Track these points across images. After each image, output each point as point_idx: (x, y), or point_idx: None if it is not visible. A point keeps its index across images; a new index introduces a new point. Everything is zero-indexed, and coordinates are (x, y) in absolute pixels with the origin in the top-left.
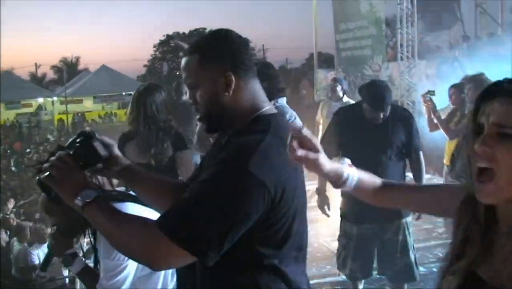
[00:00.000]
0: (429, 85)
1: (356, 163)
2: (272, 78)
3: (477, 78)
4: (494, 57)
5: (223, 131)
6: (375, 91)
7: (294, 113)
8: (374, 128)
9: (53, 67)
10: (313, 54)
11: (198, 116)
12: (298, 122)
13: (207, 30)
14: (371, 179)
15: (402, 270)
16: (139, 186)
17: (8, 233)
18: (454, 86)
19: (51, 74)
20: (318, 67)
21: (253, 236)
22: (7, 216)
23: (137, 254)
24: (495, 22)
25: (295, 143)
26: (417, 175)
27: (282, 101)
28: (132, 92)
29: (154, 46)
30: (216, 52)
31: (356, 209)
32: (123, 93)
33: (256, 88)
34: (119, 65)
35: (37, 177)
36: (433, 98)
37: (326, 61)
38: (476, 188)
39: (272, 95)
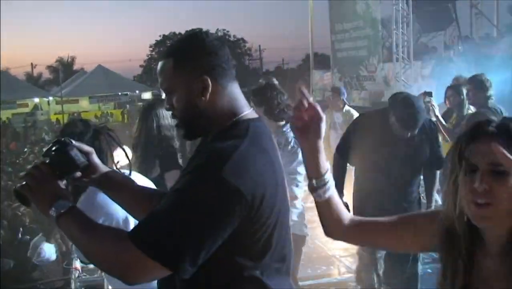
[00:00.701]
0: (424, 86)
1: (375, 176)
2: (271, 101)
3: (477, 79)
4: (489, 58)
5: (202, 137)
6: (409, 111)
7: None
8: (399, 141)
9: (48, 67)
10: (309, 55)
11: (176, 122)
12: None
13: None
14: (340, 202)
15: (410, 279)
16: (117, 193)
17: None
18: (451, 87)
19: (47, 74)
20: (314, 68)
21: (231, 246)
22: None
23: (110, 267)
24: (491, 23)
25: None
26: (429, 188)
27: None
28: (128, 93)
29: (150, 46)
30: (191, 56)
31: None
32: (119, 94)
33: (235, 92)
34: (115, 65)
35: (14, 187)
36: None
37: (323, 61)
38: (473, 213)
39: (273, 117)
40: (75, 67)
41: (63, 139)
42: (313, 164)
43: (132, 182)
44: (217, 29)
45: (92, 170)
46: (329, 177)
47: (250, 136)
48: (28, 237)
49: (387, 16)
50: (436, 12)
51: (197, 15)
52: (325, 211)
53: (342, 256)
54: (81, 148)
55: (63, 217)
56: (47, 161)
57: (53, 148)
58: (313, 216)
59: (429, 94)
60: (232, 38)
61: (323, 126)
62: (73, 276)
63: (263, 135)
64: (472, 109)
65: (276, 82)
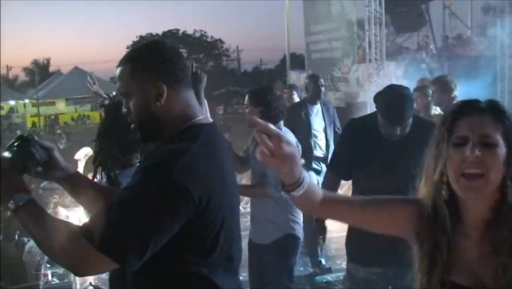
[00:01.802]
0: None
1: (373, 189)
2: (270, 103)
3: (442, 80)
4: (462, 58)
5: (156, 140)
6: (391, 102)
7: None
8: (391, 145)
9: (24, 69)
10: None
11: (132, 126)
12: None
13: (180, 32)
14: (316, 187)
15: None
16: (81, 194)
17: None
18: (418, 89)
19: (22, 77)
20: (290, 68)
21: (179, 243)
22: None
23: (62, 260)
24: (464, 24)
25: (264, 137)
26: None
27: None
28: (105, 95)
29: (127, 48)
30: (148, 63)
31: (364, 248)
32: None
33: (189, 99)
34: (92, 66)
35: None
36: None
37: (299, 62)
38: (463, 185)
39: (270, 120)
40: (51, 69)
41: (25, 135)
42: (288, 178)
43: (97, 184)
44: (195, 30)
45: (53, 166)
46: (304, 174)
47: (202, 140)
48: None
49: (363, 17)
50: (409, 13)
51: (174, 16)
52: (302, 199)
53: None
54: (42, 143)
55: (20, 210)
56: (9, 156)
57: (15, 143)
58: None
59: None
60: (209, 39)
61: (296, 153)
62: (41, 282)
63: (215, 140)
64: (438, 110)
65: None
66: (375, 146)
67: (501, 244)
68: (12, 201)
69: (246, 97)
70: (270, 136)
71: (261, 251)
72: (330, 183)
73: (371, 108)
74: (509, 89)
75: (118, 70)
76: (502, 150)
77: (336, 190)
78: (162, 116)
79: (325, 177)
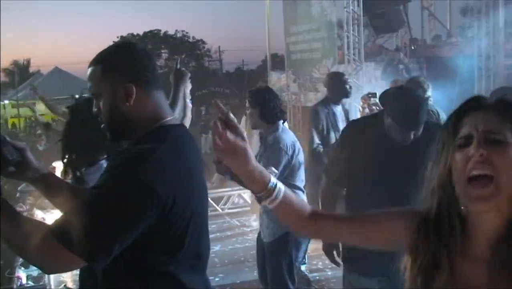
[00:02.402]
0: (377, 87)
1: (374, 195)
2: (267, 103)
3: (415, 81)
4: (440, 59)
5: (125, 140)
6: (406, 107)
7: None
8: (400, 150)
9: (4, 70)
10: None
11: (102, 126)
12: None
13: (162, 32)
14: (299, 199)
15: None
16: (54, 195)
17: None
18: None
19: (2, 77)
20: (272, 69)
21: (146, 241)
22: None
23: (33, 258)
24: (442, 25)
25: (221, 127)
26: None
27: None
28: (86, 95)
29: None
30: (118, 64)
31: (365, 255)
32: (77, 96)
33: (159, 100)
34: (72, 67)
35: None
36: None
37: (281, 63)
38: (469, 196)
39: (268, 119)
40: (31, 69)
41: None
42: (252, 182)
43: (67, 183)
44: (176, 30)
45: (25, 166)
46: (274, 182)
47: (170, 140)
48: None
49: (343, 18)
50: (388, 14)
51: (156, 16)
52: (281, 212)
53: None
54: (14, 144)
55: None
56: None
57: None
58: None
59: (373, 95)
60: (191, 40)
61: (248, 149)
62: (15, 285)
63: (184, 141)
64: None
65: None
66: (381, 150)
67: None
68: None
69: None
70: (230, 126)
71: (263, 248)
72: (329, 194)
73: (349, 108)
74: (486, 89)
75: (89, 70)
76: (510, 146)
77: (336, 202)
78: (131, 116)
79: (323, 188)
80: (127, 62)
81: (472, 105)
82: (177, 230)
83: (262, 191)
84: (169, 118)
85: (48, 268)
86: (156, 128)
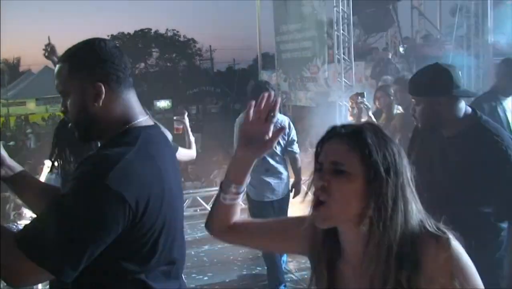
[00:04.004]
0: (367, 86)
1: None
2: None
3: (404, 80)
4: (430, 58)
5: (94, 141)
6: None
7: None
8: (451, 145)
9: None
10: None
11: (69, 125)
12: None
13: (152, 31)
14: (238, 208)
15: None
16: (27, 194)
17: None
18: (380, 88)
19: None
20: (263, 68)
21: (116, 251)
22: None
23: None
24: (432, 25)
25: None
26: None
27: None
28: None
29: None
30: (86, 62)
31: None
32: None
33: (130, 100)
34: None
35: None
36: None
37: (272, 62)
38: (314, 215)
39: None
40: (21, 68)
41: None
42: (240, 171)
43: (40, 182)
44: (167, 29)
45: None
46: (245, 187)
47: (139, 144)
48: None
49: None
50: (377, 13)
51: (146, 15)
52: (222, 212)
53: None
54: None
55: None
56: None
57: None
58: None
59: (362, 95)
60: (182, 39)
61: (269, 145)
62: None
63: (155, 142)
64: (400, 109)
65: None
66: (430, 141)
67: (375, 278)
68: None
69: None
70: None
71: None
72: None
73: (340, 108)
74: (476, 88)
75: (56, 67)
76: (357, 178)
77: None
78: (100, 117)
79: None
80: (96, 60)
81: (331, 134)
82: (149, 237)
83: (237, 184)
84: (140, 120)
85: (14, 280)
86: (126, 130)
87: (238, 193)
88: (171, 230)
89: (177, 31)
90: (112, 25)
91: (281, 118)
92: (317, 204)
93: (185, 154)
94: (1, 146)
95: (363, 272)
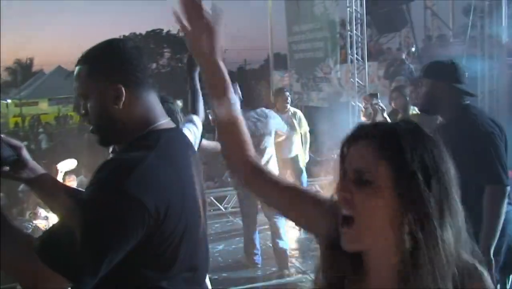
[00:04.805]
0: (380, 86)
1: None
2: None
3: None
4: (443, 59)
5: (114, 144)
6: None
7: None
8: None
9: (7, 69)
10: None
11: (90, 128)
12: None
13: (164, 31)
14: (245, 130)
15: None
16: (49, 197)
17: None
18: (396, 89)
19: (5, 76)
20: (274, 68)
21: (136, 258)
22: None
23: (14, 275)
24: (445, 25)
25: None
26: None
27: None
28: None
29: None
30: (106, 64)
31: None
32: None
33: (151, 102)
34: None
35: None
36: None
37: (283, 62)
38: (341, 235)
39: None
40: (34, 68)
41: None
42: (213, 79)
43: (63, 184)
44: (179, 29)
45: (21, 166)
46: (232, 95)
47: (160, 147)
48: None
49: (345, 17)
50: (391, 13)
51: (156, 15)
52: (228, 135)
53: (293, 256)
54: (9, 142)
55: None
56: None
57: None
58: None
59: (375, 96)
60: None
61: (216, 38)
62: (18, 285)
63: (175, 146)
64: (416, 110)
65: None
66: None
67: None
68: None
69: None
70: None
71: None
72: None
73: (352, 108)
74: (490, 89)
75: (76, 70)
76: (386, 190)
77: None
78: (121, 120)
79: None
80: (116, 61)
81: (356, 136)
82: (170, 244)
83: (219, 96)
84: (161, 122)
85: (32, 288)
86: (147, 133)
87: (226, 103)
88: (192, 236)
89: (226, 49)
90: (125, 25)
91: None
92: (343, 221)
93: (208, 144)
94: (24, 148)
95: None
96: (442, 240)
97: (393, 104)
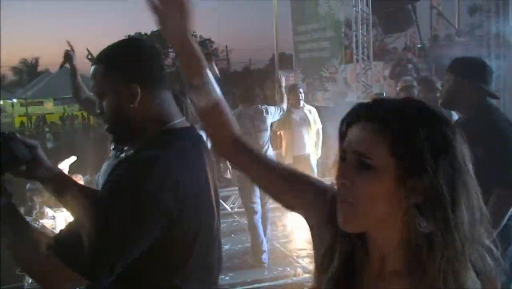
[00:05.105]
0: (386, 86)
1: None
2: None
3: (427, 80)
4: (449, 58)
5: (129, 143)
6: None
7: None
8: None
9: (12, 68)
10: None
11: (105, 127)
12: None
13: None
14: (229, 113)
15: None
16: (64, 196)
17: None
18: (404, 89)
19: (10, 76)
20: (280, 68)
21: (150, 254)
22: None
23: (31, 272)
24: (451, 24)
25: None
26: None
27: None
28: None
29: None
30: (121, 63)
31: None
32: None
33: (166, 101)
34: (80, 66)
35: None
36: None
37: (288, 62)
38: (338, 215)
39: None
40: (40, 68)
41: (6, 132)
42: (188, 59)
43: (78, 183)
44: None
45: (37, 165)
46: (208, 76)
47: (175, 146)
48: None
49: (350, 17)
50: (396, 13)
51: None
52: (211, 121)
53: (300, 256)
54: (25, 141)
55: None
56: None
57: None
58: (273, 218)
59: (381, 95)
60: (199, 39)
61: (189, 17)
62: (26, 283)
63: (190, 145)
64: None
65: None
66: None
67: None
68: None
69: None
70: None
71: None
72: None
73: None
74: (496, 88)
75: (92, 69)
76: (386, 173)
77: None
78: (136, 119)
79: None
80: (132, 60)
81: (357, 115)
82: (184, 242)
83: (195, 76)
84: (176, 121)
85: (48, 284)
86: (162, 132)
87: (203, 86)
88: (206, 235)
89: (194, 31)
90: (130, 25)
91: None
92: (341, 201)
93: None
94: (39, 147)
95: (390, 279)
96: (455, 224)
97: None
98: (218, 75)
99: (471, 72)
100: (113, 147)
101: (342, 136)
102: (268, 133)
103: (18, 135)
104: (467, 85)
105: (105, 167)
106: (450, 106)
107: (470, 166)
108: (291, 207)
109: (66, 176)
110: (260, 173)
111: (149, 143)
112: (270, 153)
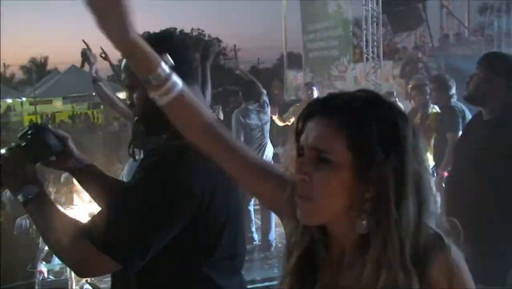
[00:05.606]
0: (395, 86)
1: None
2: None
3: (440, 78)
4: (459, 57)
5: (159, 134)
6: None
7: None
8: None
9: (21, 67)
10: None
11: (135, 118)
12: None
13: (177, 30)
14: (200, 103)
15: None
16: (93, 187)
17: None
18: (416, 87)
19: (19, 75)
20: (288, 67)
21: (180, 242)
22: None
23: (65, 258)
24: (461, 23)
25: None
26: None
27: None
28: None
29: None
30: None
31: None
32: (93, 94)
33: (195, 94)
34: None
35: None
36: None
37: (297, 61)
38: (298, 209)
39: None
40: (49, 67)
41: (39, 123)
42: (136, 61)
43: (108, 176)
44: (192, 28)
45: (67, 156)
46: (166, 71)
47: None
48: None
49: (359, 16)
50: (406, 12)
51: (172, 14)
52: (177, 113)
53: None
54: (56, 132)
55: (30, 203)
56: (22, 144)
57: (29, 132)
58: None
59: (391, 94)
60: (207, 38)
61: (125, 12)
62: (37, 280)
63: None
64: (436, 108)
65: None
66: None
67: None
68: (21, 193)
69: None
70: None
71: None
72: None
73: None
74: None
75: (124, 61)
76: (346, 167)
77: None
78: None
79: None
80: (162, 52)
81: (312, 111)
82: (213, 230)
83: (150, 71)
84: None
85: (82, 270)
86: None
87: (164, 82)
88: (233, 224)
89: (202, 31)
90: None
91: None
92: (300, 195)
93: None
94: (70, 139)
95: (350, 276)
96: (397, 219)
97: (412, 103)
98: (172, 63)
99: (505, 70)
100: (130, 151)
101: (299, 132)
102: (269, 124)
103: (49, 126)
104: (499, 83)
105: (127, 167)
106: (477, 101)
107: (425, 158)
108: (256, 196)
109: (96, 168)
110: (227, 159)
111: (178, 134)
112: (269, 145)
